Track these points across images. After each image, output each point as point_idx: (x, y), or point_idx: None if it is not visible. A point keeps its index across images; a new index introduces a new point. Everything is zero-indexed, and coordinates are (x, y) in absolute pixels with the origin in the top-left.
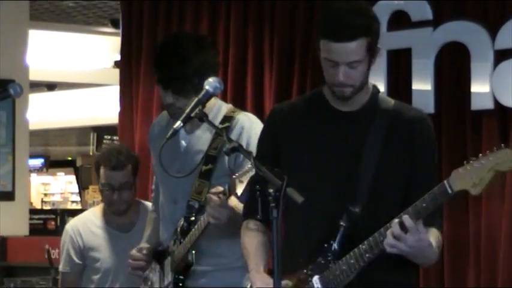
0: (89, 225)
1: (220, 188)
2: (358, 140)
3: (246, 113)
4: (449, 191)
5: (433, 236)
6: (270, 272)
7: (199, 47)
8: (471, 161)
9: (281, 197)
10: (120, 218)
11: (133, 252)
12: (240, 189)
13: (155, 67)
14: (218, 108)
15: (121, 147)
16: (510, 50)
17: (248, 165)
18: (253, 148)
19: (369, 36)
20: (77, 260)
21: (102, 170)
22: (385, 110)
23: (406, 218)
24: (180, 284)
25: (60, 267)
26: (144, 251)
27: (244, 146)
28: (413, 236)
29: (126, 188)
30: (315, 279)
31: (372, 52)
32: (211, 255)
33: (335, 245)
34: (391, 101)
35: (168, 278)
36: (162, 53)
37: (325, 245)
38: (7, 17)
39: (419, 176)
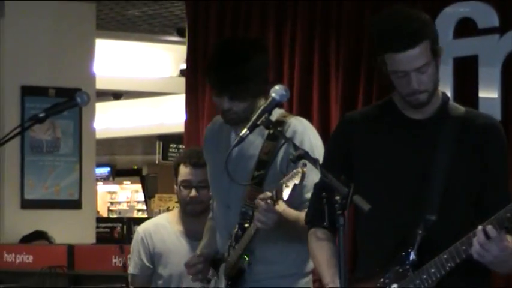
0: (161, 229)
1: (269, 194)
2: (429, 147)
3: (298, 117)
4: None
5: None
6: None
7: (253, 50)
8: None
9: (347, 204)
10: (194, 224)
11: (189, 258)
12: (286, 194)
13: (209, 71)
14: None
15: (201, 149)
16: None
17: (294, 169)
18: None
19: (429, 37)
20: (147, 264)
21: (182, 168)
22: (456, 117)
23: (490, 228)
24: None
25: (130, 269)
26: (198, 256)
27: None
28: (496, 245)
29: (205, 186)
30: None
31: (435, 52)
32: (264, 262)
33: (413, 254)
34: (462, 108)
35: (222, 284)
36: (216, 57)
37: (403, 254)
38: (74, 27)
39: (493, 183)
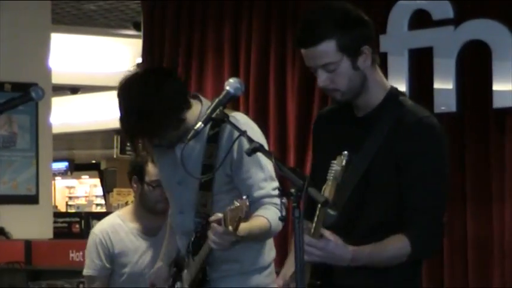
0: (117, 229)
1: (220, 215)
2: (358, 144)
3: (235, 113)
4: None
5: (381, 243)
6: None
7: (154, 91)
8: None
9: (302, 196)
10: (149, 221)
11: (153, 271)
12: (233, 226)
13: (123, 121)
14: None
15: None
16: None
17: (238, 203)
18: (243, 145)
19: (335, 37)
20: (106, 264)
21: (150, 168)
22: (391, 115)
23: (306, 237)
24: None
25: (88, 271)
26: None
27: (236, 149)
28: (319, 251)
29: None
30: None
31: (349, 52)
32: (225, 261)
33: None
34: (406, 105)
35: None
36: (121, 111)
37: None
38: (29, 21)
39: (413, 183)
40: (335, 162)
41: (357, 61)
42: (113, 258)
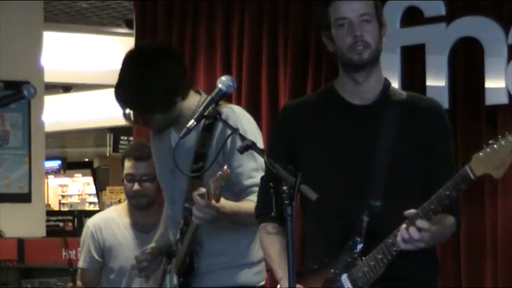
0: (110, 223)
1: (203, 190)
2: (372, 132)
3: (231, 105)
4: (471, 176)
5: (442, 224)
6: (298, 274)
7: (153, 63)
8: (491, 144)
9: (295, 194)
10: (142, 217)
11: (137, 254)
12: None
13: (117, 96)
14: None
15: (146, 142)
16: None
17: (219, 171)
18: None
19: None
20: (96, 257)
21: (126, 162)
22: (398, 101)
23: (421, 222)
24: (189, 286)
25: (80, 263)
26: (147, 251)
27: (230, 139)
28: (428, 235)
29: (148, 180)
30: (344, 278)
31: (379, 17)
32: (214, 254)
33: (360, 241)
34: (403, 93)
35: (173, 280)
36: (120, 75)
37: (350, 242)
38: (21, 19)
39: (438, 164)
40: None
41: (381, 31)
42: (103, 251)
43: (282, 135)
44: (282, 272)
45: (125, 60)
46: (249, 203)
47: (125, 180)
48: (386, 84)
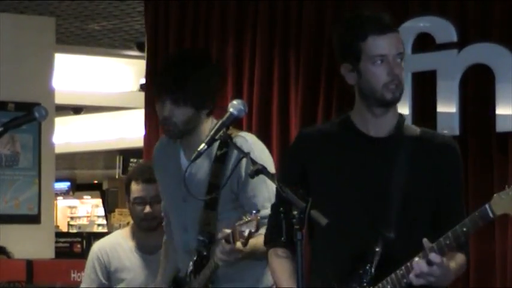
0: (116, 247)
1: (227, 231)
2: (387, 165)
3: (244, 134)
4: (491, 215)
5: (456, 262)
6: None
7: (201, 61)
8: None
9: (305, 219)
10: (147, 239)
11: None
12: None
13: (155, 78)
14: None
15: (150, 163)
16: None
17: (249, 217)
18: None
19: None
20: (103, 280)
21: (134, 185)
22: (413, 136)
23: (434, 256)
24: None
25: (83, 285)
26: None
27: (244, 167)
28: (440, 270)
29: (157, 202)
30: None
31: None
32: (230, 280)
33: (371, 271)
34: (417, 128)
35: None
36: (162, 65)
37: (360, 271)
38: (33, 41)
39: (449, 200)
40: None
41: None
42: (109, 274)
43: (295, 161)
44: None
45: (176, 54)
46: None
47: (133, 204)
48: (401, 119)
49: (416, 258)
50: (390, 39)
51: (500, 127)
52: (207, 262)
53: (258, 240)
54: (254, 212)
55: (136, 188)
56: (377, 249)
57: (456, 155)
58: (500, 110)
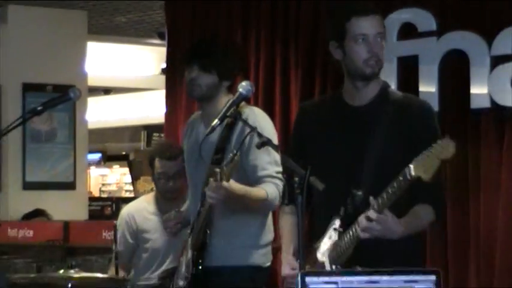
0: (142, 211)
1: (216, 170)
2: (365, 130)
3: (252, 107)
4: (409, 177)
5: (415, 215)
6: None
7: (226, 42)
8: (428, 149)
9: (305, 185)
10: (169, 206)
11: (166, 215)
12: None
13: (190, 48)
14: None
15: (171, 141)
16: (505, 56)
17: (230, 156)
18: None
19: (381, 16)
20: (130, 240)
21: (157, 162)
22: (393, 101)
23: (371, 213)
24: (200, 261)
25: (116, 247)
26: (174, 214)
27: (248, 138)
28: (380, 225)
29: (179, 176)
30: (321, 252)
31: (385, 34)
32: (226, 235)
33: (340, 225)
34: (399, 94)
35: (188, 254)
36: (197, 42)
37: (334, 227)
38: (69, 32)
39: None
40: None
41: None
42: (136, 234)
43: (297, 133)
44: (285, 247)
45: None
46: (259, 189)
47: (158, 179)
48: (384, 86)
49: (363, 215)
50: (371, 21)
51: (474, 104)
52: None
53: (253, 189)
54: (235, 151)
55: (159, 165)
56: (348, 206)
57: (432, 118)
58: (474, 90)
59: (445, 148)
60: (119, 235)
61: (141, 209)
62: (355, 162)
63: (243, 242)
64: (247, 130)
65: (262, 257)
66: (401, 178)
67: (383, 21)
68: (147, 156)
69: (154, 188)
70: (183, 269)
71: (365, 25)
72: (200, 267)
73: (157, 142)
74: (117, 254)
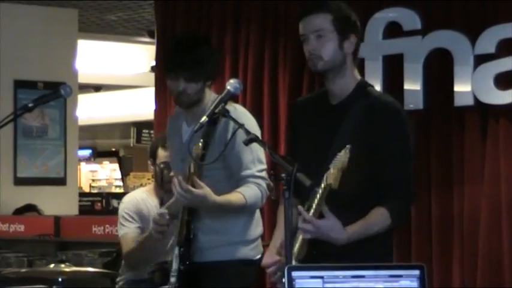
0: (144, 200)
1: (180, 177)
2: (335, 129)
3: (234, 105)
4: (324, 184)
5: (365, 220)
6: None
7: (203, 42)
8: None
9: (292, 180)
10: (169, 196)
11: (156, 217)
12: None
13: (167, 59)
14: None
15: None
16: (488, 55)
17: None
18: (240, 135)
19: (334, 14)
20: (136, 220)
21: (160, 151)
22: (364, 102)
23: (305, 214)
24: (188, 257)
25: (120, 232)
26: (167, 217)
27: (230, 132)
28: (314, 228)
29: None
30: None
31: (340, 30)
32: (215, 231)
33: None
34: (374, 94)
35: (176, 250)
36: (173, 47)
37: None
38: (59, 29)
39: (387, 161)
40: (340, 154)
41: (343, 42)
42: (141, 216)
43: (288, 130)
44: (272, 241)
45: (181, 37)
46: (237, 195)
47: (160, 168)
48: (361, 84)
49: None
50: (308, 21)
51: (458, 102)
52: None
53: (229, 195)
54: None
55: (163, 154)
56: (309, 204)
57: (395, 121)
58: (457, 87)
59: (343, 157)
60: (122, 220)
61: (143, 198)
62: (322, 161)
63: (231, 239)
64: (231, 127)
65: (251, 251)
66: (320, 185)
67: (328, 17)
68: (150, 149)
69: (144, 182)
70: (174, 265)
71: (303, 26)
72: (188, 263)
73: (160, 134)
74: (123, 239)
